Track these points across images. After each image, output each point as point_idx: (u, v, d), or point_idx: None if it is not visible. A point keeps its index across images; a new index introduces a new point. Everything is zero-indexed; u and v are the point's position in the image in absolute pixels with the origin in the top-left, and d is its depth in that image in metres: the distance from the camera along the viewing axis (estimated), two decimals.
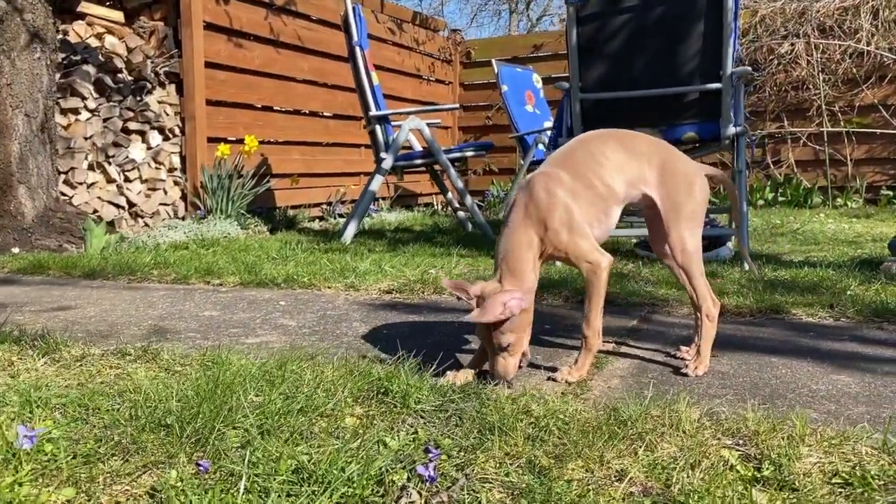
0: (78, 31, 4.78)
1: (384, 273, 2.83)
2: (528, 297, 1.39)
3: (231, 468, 0.85)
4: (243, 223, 5.13)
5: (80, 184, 4.60)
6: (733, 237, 3.46)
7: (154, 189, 5.11)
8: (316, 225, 5.88)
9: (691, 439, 1.00)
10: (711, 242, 3.30)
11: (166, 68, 5.13)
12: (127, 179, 4.94)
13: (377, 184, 4.48)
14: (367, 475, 0.83)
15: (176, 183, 5.26)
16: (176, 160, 5.24)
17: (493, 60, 6.16)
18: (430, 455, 0.91)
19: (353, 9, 4.46)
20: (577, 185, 1.46)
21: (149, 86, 5.03)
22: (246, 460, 0.89)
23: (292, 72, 6.01)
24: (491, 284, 1.40)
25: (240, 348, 1.68)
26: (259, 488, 0.80)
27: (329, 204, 6.47)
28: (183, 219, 5.17)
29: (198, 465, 0.85)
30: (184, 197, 5.27)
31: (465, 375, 1.43)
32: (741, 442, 1.01)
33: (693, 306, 1.60)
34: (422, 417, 1.11)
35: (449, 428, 1.06)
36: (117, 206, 4.84)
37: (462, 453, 0.97)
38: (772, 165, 6.88)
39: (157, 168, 5.11)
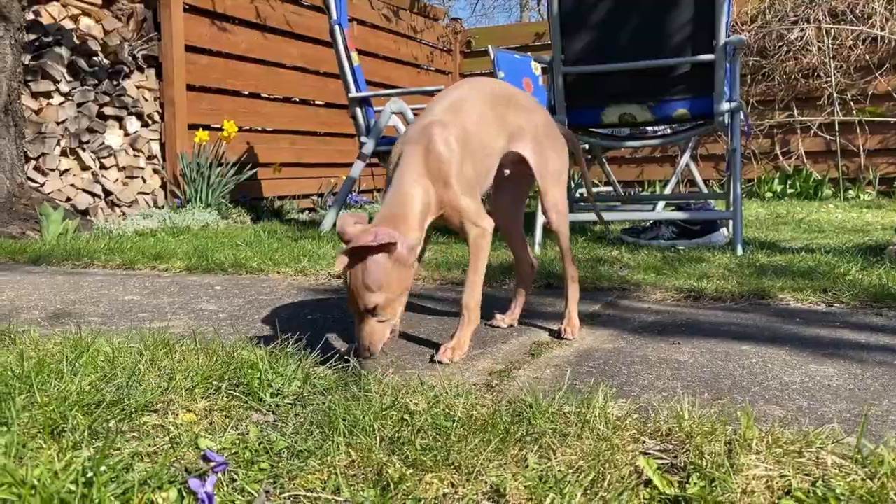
0: (51, 12, 4.59)
1: None
2: (409, 253, 1.19)
3: None
4: (224, 213, 4.93)
5: (52, 170, 4.40)
6: (730, 222, 3.20)
7: (132, 177, 4.91)
8: (304, 216, 5.67)
9: (602, 443, 0.77)
10: (704, 228, 3.04)
11: (145, 52, 4.93)
12: (103, 167, 4.74)
13: (358, 170, 4.26)
14: (107, 491, 0.60)
15: (156, 171, 5.06)
16: (155, 147, 5.04)
17: (490, 47, 5.92)
18: (213, 464, 0.68)
19: None
20: (469, 139, 1.30)
21: (126, 70, 4.83)
22: None
23: (281, 58, 5.79)
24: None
25: (130, 334, 1.46)
26: None
27: (320, 195, 6.26)
28: (162, 208, 4.97)
29: None
30: (164, 185, 5.07)
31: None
32: (669, 447, 0.77)
33: (519, 276, 1.59)
34: (273, 413, 0.89)
35: (295, 427, 0.83)
36: (92, 194, 4.64)
37: (294, 460, 0.74)
38: (781, 156, 6.58)
39: (135, 155, 4.91)
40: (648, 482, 0.70)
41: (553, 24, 3.04)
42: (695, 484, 0.68)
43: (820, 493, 0.66)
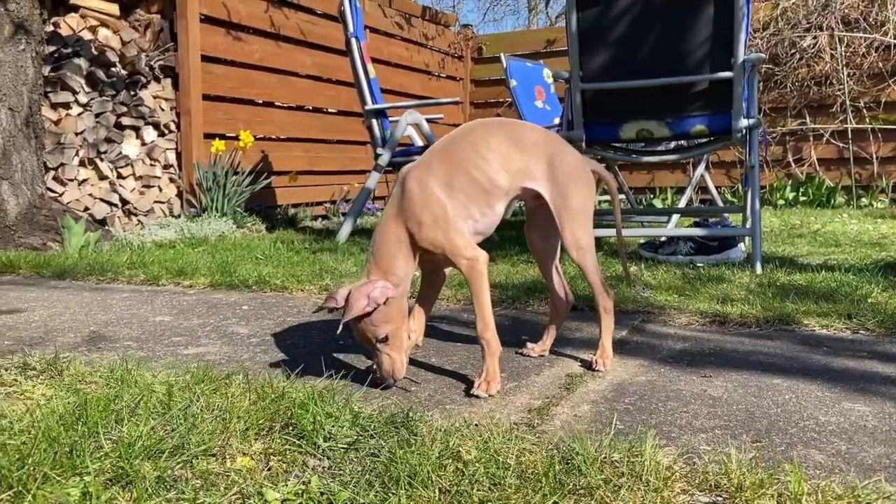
0: (70, 24, 4.64)
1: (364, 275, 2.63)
2: (398, 288, 1.34)
3: None
4: (240, 221, 4.96)
5: (71, 180, 4.46)
6: (746, 238, 3.22)
7: (149, 186, 4.96)
8: (318, 224, 5.71)
9: (654, 495, 0.79)
10: (722, 243, 3.06)
11: (161, 62, 4.98)
12: (120, 176, 4.79)
13: (374, 181, 4.29)
14: None
15: (172, 180, 5.11)
16: (172, 157, 5.08)
17: (502, 55, 5.95)
18: None
19: None
20: (456, 178, 1.39)
21: (143, 80, 4.88)
22: None
23: (294, 66, 5.84)
24: (357, 283, 1.34)
25: (169, 361, 1.49)
26: None
27: (333, 202, 6.30)
28: (178, 217, 5.01)
29: None
30: (180, 194, 5.11)
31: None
32: (719, 500, 0.80)
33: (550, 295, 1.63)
34: (328, 458, 0.91)
35: (354, 476, 0.85)
36: (110, 203, 4.69)
37: None
38: (793, 164, 6.59)
39: (151, 165, 4.96)
40: None
41: (571, 41, 3.07)
42: None
43: None
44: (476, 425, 1.03)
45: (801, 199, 6.33)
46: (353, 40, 4.27)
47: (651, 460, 0.86)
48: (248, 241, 4.22)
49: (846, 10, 6.44)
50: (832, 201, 6.20)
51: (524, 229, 1.61)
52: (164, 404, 1.02)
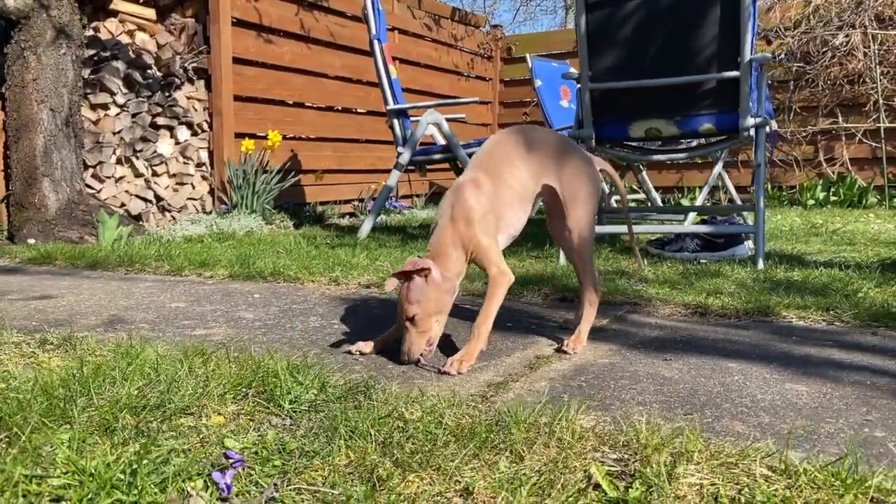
0: (109, 28, 4.87)
1: (373, 268, 2.75)
2: (447, 281, 1.45)
3: (10, 472, 0.77)
4: (269, 218, 5.14)
5: (108, 178, 4.68)
6: (752, 235, 3.25)
7: (182, 184, 5.17)
8: (345, 221, 5.87)
9: (566, 451, 0.88)
10: (728, 241, 3.10)
11: (195, 64, 5.18)
12: (155, 174, 5.01)
13: (395, 179, 4.42)
14: (148, 480, 0.75)
15: (204, 178, 5.31)
16: (204, 155, 5.29)
17: (528, 55, 6.04)
18: (232, 461, 0.82)
19: (372, 2, 4.41)
20: (500, 190, 1.54)
21: (177, 81, 5.08)
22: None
23: (324, 68, 6.00)
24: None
25: (176, 340, 1.63)
26: (33, 492, 0.73)
27: (361, 200, 6.46)
28: (210, 213, 5.22)
29: None
30: (211, 192, 5.32)
31: (370, 346, 1.54)
32: (625, 457, 0.89)
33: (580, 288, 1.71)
34: (290, 418, 1.03)
35: (306, 431, 0.96)
36: (145, 199, 4.91)
37: (301, 459, 0.87)
38: (824, 163, 6.52)
39: (184, 163, 5.17)
40: (597, 486, 0.81)
41: (581, 42, 3.14)
42: (636, 489, 0.79)
43: (744, 500, 0.76)
44: (431, 395, 1.14)
45: (833, 199, 6.26)
46: (376, 42, 4.40)
47: (571, 423, 0.96)
48: (274, 236, 4.38)
49: (880, 8, 6.36)
50: (864, 201, 6.12)
51: (547, 224, 1.75)
52: (154, 371, 1.15)
